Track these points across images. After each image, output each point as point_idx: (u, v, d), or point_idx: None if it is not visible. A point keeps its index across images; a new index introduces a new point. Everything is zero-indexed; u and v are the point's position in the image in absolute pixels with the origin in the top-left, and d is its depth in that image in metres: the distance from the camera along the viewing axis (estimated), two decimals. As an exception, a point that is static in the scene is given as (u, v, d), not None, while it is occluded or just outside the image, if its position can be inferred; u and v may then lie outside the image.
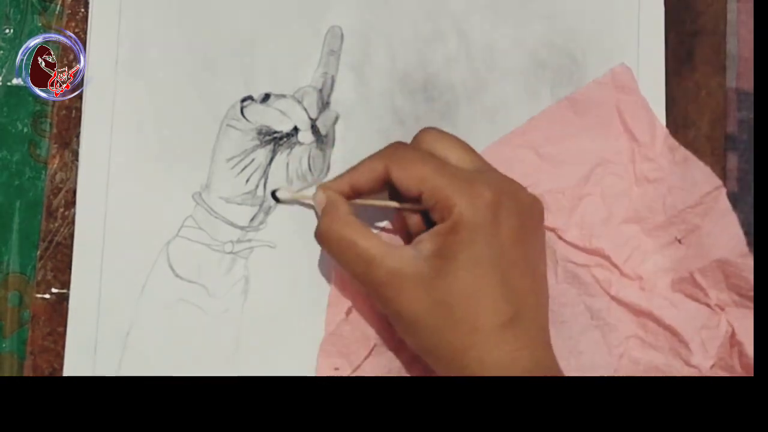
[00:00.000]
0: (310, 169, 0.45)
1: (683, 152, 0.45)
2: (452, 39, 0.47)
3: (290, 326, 0.44)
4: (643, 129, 0.45)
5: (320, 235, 0.41)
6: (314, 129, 0.45)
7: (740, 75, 0.48)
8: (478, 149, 0.43)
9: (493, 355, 0.38)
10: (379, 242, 0.40)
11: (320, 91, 0.45)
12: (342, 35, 0.46)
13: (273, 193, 0.45)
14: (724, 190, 0.44)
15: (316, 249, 0.45)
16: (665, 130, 0.46)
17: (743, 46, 0.48)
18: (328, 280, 0.45)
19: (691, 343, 0.44)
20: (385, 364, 0.44)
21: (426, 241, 0.39)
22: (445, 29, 0.47)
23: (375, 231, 0.43)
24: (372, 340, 0.44)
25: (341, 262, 0.41)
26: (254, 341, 0.44)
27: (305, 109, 0.45)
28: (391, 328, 0.42)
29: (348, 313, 0.44)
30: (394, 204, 0.42)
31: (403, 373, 0.44)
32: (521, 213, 0.40)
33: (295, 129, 0.45)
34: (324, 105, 0.46)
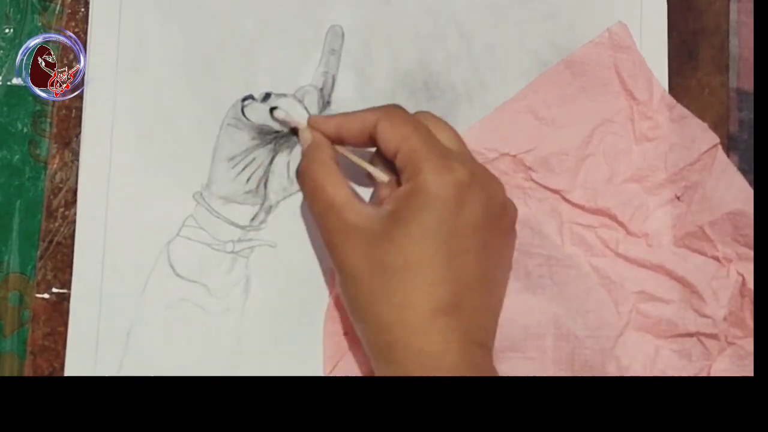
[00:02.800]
0: (311, 169, 0.45)
1: (680, 110, 0.46)
2: (453, 38, 0.47)
3: (291, 326, 0.44)
4: (642, 87, 0.46)
5: (298, 174, 0.41)
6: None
7: (741, 75, 0.48)
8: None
9: (420, 339, 0.37)
10: (346, 192, 0.39)
11: (321, 90, 0.45)
12: (343, 34, 0.46)
13: (271, 109, 0.44)
14: (720, 146, 0.45)
15: (317, 248, 0.45)
16: (662, 88, 0.46)
17: (743, 46, 0.48)
18: (329, 278, 0.45)
19: (703, 293, 0.44)
20: None
21: (387, 203, 0.39)
22: (446, 28, 0.47)
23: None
24: None
25: (308, 203, 0.41)
26: (255, 341, 0.44)
27: (306, 109, 0.45)
28: None
29: None
30: (367, 167, 0.41)
31: None
32: (489, 206, 0.39)
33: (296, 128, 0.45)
34: (325, 104, 0.46)
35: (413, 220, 0.37)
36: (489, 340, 0.40)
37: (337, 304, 0.44)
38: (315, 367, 0.44)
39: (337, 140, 0.42)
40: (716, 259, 0.45)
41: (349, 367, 0.44)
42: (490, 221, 0.39)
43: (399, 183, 0.40)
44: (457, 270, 0.38)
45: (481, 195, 0.39)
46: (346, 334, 0.44)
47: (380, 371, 0.39)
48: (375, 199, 0.42)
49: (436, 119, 0.41)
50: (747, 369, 0.44)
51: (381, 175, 0.41)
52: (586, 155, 0.46)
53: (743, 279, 0.44)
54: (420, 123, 0.40)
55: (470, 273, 0.38)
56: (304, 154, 0.42)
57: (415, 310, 0.37)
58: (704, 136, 0.45)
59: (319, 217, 0.40)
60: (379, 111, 0.40)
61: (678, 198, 0.46)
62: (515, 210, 0.42)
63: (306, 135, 0.42)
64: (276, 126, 0.45)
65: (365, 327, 0.39)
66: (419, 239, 0.37)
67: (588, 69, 0.46)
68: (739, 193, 0.45)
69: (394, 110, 0.40)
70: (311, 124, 0.42)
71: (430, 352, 0.37)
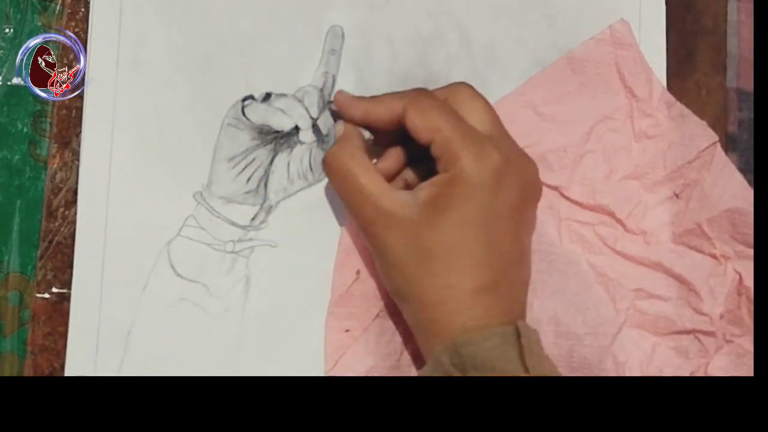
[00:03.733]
0: (311, 169, 0.45)
1: (679, 108, 0.46)
2: (453, 38, 0.47)
3: (291, 326, 0.44)
4: (641, 85, 0.46)
5: (325, 163, 0.42)
6: (315, 128, 0.45)
7: (740, 75, 0.48)
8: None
9: (463, 316, 0.38)
10: (379, 180, 0.40)
11: (321, 90, 0.45)
12: (343, 34, 0.46)
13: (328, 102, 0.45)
14: (719, 144, 0.45)
15: (317, 248, 0.45)
16: (662, 86, 0.46)
17: (743, 45, 0.48)
18: (330, 276, 0.45)
19: (700, 290, 0.44)
20: (390, 326, 0.44)
21: (424, 189, 0.40)
22: (445, 28, 0.47)
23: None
24: (381, 299, 0.44)
25: (340, 193, 0.41)
26: (255, 341, 0.44)
27: (306, 109, 0.45)
28: None
29: (358, 273, 0.44)
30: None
31: (410, 336, 0.44)
32: (524, 186, 0.40)
33: (296, 128, 0.45)
34: (325, 104, 0.46)
35: (454, 208, 0.39)
36: (523, 313, 0.41)
37: (339, 300, 0.44)
38: (315, 367, 0.44)
39: (364, 125, 0.42)
40: (714, 256, 0.45)
41: (351, 364, 0.44)
42: (525, 200, 0.41)
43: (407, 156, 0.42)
44: (496, 251, 0.39)
45: (517, 177, 0.40)
46: (347, 330, 0.44)
47: (423, 342, 0.40)
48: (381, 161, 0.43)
49: (471, 96, 0.42)
50: (745, 367, 0.44)
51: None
52: (584, 152, 0.46)
53: (740, 277, 0.44)
54: (449, 110, 0.40)
55: (508, 252, 0.40)
56: (335, 143, 0.43)
57: (457, 290, 0.39)
58: (703, 134, 0.45)
59: (355, 206, 0.40)
60: (406, 98, 0.41)
61: (676, 195, 0.46)
62: (540, 181, 0.42)
63: (339, 127, 0.43)
64: (276, 126, 0.45)
65: (408, 306, 0.40)
66: (460, 226, 0.39)
67: (588, 66, 0.46)
68: (738, 191, 0.45)
69: (421, 98, 0.41)
70: (339, 103, 0.43)
71: (472, 327, 0.38)
